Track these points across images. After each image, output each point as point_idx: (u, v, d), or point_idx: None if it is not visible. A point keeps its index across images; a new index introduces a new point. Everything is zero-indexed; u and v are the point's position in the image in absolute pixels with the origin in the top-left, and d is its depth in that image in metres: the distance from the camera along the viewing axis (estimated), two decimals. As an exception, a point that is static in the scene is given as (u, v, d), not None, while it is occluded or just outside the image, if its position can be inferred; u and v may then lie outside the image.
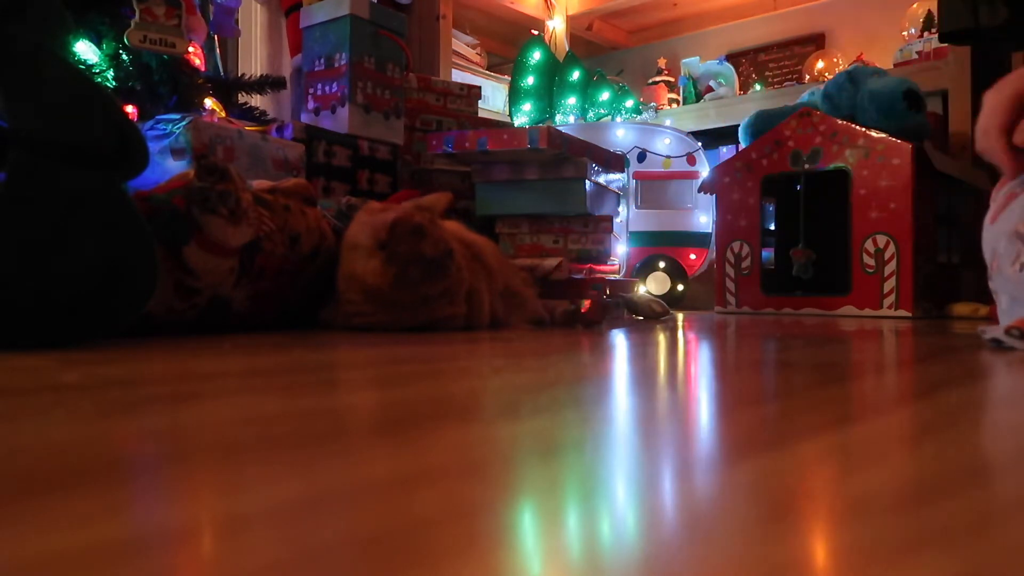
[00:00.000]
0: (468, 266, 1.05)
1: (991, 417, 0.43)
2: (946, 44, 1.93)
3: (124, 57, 1.18)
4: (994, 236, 0.88)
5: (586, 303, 1.23)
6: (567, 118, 2.31)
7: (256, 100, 1.70)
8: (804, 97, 1.96)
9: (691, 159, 2.18)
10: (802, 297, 1.80)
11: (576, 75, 2.34)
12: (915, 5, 2.33)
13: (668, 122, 2.43)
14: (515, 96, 2.36)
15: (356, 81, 1.55)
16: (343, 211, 1.21)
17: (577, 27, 2.93)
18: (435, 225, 0.98)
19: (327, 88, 1.58)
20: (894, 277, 1.67)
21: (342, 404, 0.43)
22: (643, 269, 2.20)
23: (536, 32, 2.55)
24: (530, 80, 2.35)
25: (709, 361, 0.71)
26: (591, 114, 2.32)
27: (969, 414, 0.42)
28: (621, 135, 2.20)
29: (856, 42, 2.56)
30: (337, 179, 1.52)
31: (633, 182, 2.19)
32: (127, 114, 0.84)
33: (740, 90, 2.72)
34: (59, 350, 0.65)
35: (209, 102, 1.35)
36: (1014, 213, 0.86)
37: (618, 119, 2.30)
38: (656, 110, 2.52)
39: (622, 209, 2.10)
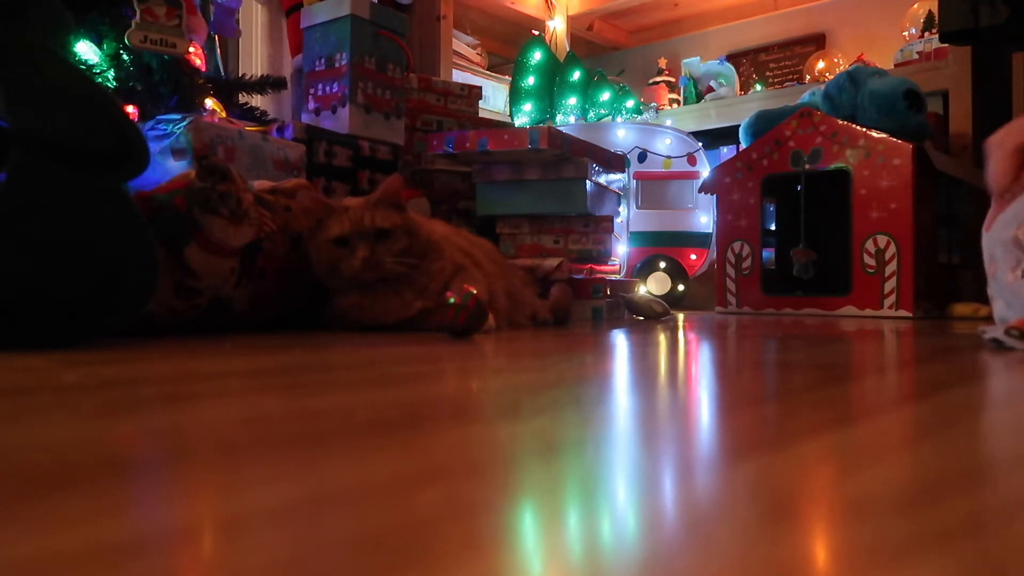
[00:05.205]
0: (467, 267, 1.05)
1: (991, 417, 0.43)
2: (946, 44, 1.93)
3: (125, 57, 1.18)
4: (991, 242, 0.90)
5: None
6: (568, 118, 2.31)
7: (257, 100, 1.70)
8: (805, 97, 1.96)
9: (692, 159, 2.18)
10: (803, 297, 1.80)
11: (577, 75, 2.34)
12: (915, 5, 2.33)
13: (669, 122, 2.43)
14: (516, 96, 2.36)
15: (357, 81, 1.55)
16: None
17: (578, 27, 2.93)
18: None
19: (328, 88, 1.58)
20: (895, 277, 1.67)
21: (342, 404, 0.43)
22: (644, 269, 2.20)
23: (537, 32, 2.55)
24: (531, 80, 2.35)
25: (709, 361, 0.71)
26: (592, 114, 2.32)
27: (969, 414, 0.42)
28: (622, 135, 2.20)
29: (857, 42, 2.55)
30: (338, 179, 1.52)
31: (634, 182, 2.19)
32: (128, 114, 0.84)
33: (741, 90, 2.72)
34: (59, 350, 0.65)
35: (210, 102, 1.35)
36: (1010, 219, 0.86)
37: (619, 119, 2.30)
38: (657, 110, 2.52)
39: (623, 209, 2.10)
